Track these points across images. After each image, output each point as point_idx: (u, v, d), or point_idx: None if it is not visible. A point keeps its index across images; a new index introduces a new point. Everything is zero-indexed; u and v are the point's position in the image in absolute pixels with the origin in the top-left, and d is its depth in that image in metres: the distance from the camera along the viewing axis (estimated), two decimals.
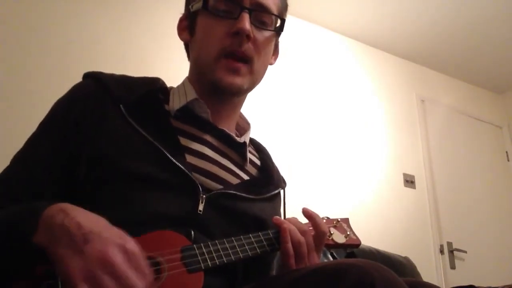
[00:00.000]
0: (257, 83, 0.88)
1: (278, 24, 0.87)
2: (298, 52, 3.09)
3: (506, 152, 3.76)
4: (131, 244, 0.55)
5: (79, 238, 0.53)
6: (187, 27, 0.89)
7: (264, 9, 0.83)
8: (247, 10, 0.80)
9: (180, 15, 0.93)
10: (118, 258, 0.52)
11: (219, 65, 0.81)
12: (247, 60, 0.82)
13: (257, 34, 0.83)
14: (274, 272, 0.92)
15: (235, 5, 0.80)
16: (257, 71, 0.85)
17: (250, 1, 0.81)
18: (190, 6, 0.87)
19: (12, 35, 2.13)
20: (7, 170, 0.75)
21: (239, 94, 0.86)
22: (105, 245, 0.52)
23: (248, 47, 0.81)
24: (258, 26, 0.83)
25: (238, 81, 0.81)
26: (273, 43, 0.90)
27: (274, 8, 0.85)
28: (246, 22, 0.79)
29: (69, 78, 0.88)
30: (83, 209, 0.59)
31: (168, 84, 0.93)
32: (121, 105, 0.78)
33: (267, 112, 2.76)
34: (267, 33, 0.85)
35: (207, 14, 0.82)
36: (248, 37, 0.80)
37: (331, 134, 2.98)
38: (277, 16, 0.86)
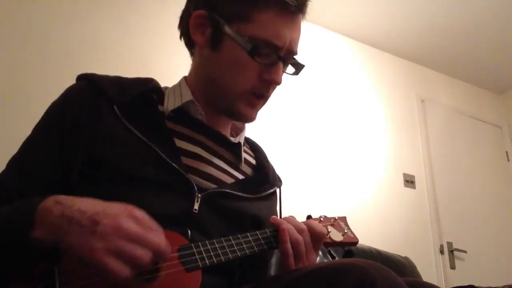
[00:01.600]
0: None
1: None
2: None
3: (506, 152, 3.76)
4: (136, 211, 0.58)
5: (87, 222, 0.54)
6: (210, 35, 0.81)
7: (293, 56, 0.85)
8: (282, 61, 0.81)
9: (182, 10, 0.87)
10: (131, 224, 0.55)
11: (242, 99, 0.82)
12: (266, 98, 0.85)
13: None
14: (271, 271, 0.92)
15: (273, 51, 0.80)
16: None
17: (285, 51, 0.81)
18: (215, 15, 0.79)
19: (12, 35, 2.13)
20: (4, 173, 0.75)
21: None
22: (115, 219, 0.55)
23: (272, 89, 0.84)
24: (283, 71, 0.85)
25: (255, 114, 0.85)
26: None
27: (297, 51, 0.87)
28: (281, 74, 0.81)
29: (69, 79, 0.87)
30: (77, 197, 0.60)
31: (168, 84, 0.93)
32: (115, 107, 0.78)
33: (267, 112, 2.74)
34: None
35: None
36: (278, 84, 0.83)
37: (331, 134, 2.98)
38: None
